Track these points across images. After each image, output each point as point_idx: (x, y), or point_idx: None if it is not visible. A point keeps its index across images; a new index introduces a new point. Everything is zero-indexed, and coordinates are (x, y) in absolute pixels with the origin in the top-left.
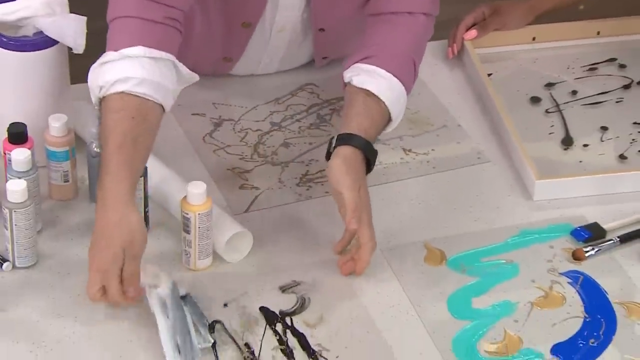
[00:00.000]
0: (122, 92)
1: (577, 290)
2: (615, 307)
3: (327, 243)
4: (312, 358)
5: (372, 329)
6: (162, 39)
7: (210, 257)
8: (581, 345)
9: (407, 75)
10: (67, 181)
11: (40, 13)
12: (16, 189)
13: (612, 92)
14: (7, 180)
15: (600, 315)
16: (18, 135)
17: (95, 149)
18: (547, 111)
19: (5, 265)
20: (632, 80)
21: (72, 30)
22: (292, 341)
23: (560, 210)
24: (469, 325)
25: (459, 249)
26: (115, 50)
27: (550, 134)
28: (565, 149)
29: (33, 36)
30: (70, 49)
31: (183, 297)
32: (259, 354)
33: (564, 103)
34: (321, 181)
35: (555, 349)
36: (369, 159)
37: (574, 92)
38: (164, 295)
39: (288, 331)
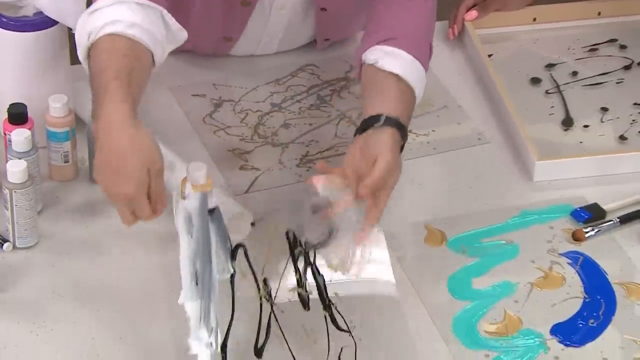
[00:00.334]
0: (112, 34)
1: (576, 271)
2: (615, 288)
3: None
4: (326, 310)
5: (372, 308)
6: None
7: None
8: (581, 325)
9: (424, 57)
10: (68, 162)
11: None
12: (16, 169)
13: (612, 73)
14: (7, 161)
15: (599, 295)
16: (18, 115)
17: None
18: (547, 92)
19: (5, 245)
20: (633, 61)
21: (72, 11)
22: (311, 286)
23: (561, 191)
24: (469, 305)
25: (459, 229)
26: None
27: (550, 114)
28: (565, 130)
29: (33, 16)
30: (70, 29)
31: (211, 211)
32: (276, 294)
33: (565, 84)
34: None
35: (555, 329)
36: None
37: (575, 73)
38: (191, 209)
39: (308, 272)
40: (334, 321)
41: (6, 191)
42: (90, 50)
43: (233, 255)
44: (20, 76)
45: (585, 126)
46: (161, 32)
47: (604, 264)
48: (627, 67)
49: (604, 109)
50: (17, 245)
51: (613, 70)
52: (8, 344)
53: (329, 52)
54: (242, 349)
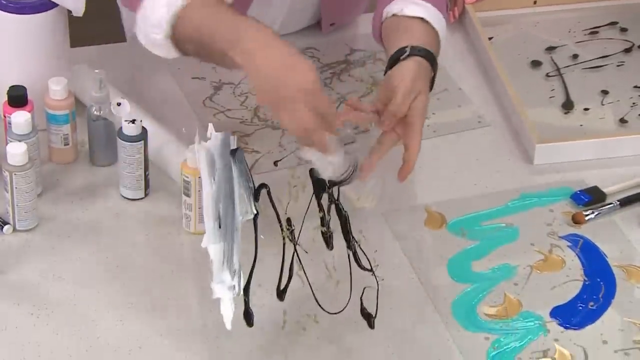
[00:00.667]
0: None
1: (576, 254)
2: (615, 271)
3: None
4: (349, 248)
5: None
6: None
7: None
8: (580, 308)
9: (444, 12)
10: (67, 144)
11: None
12: (17, 151)
13: (613, 56)
14: (7, 143)
15: (599, 278)
16: (18, 98)
17: (95, 112)
18: (547, 75)
19: (5, 228)
20: (633, 44)
21: None
22: (335, 224)
23: (561, 174)
24: (469, 288)
25: (459, 212)
26: None
27: (550, 98)
28: (565, 113)
29: None
30: (69, 11)
31: (233, 152)
32: (299, 234)
33: (565, 67)
34: None
35: (555, 312)
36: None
37: (575, 56)
38: (213, 149)
39: (332, 210)
40: (357, 260)
41: (6, 174)
42: (177, 19)
43: (256, 196)
44: (20, 58)
45: (586, 109)
46: None
47: (603, 246)
48: (627, 50)
49: (604, 92)
50: (17, 227)
51: (613, 53)
52: (8, 325)
53: (329, 35)
54: (265, 291)
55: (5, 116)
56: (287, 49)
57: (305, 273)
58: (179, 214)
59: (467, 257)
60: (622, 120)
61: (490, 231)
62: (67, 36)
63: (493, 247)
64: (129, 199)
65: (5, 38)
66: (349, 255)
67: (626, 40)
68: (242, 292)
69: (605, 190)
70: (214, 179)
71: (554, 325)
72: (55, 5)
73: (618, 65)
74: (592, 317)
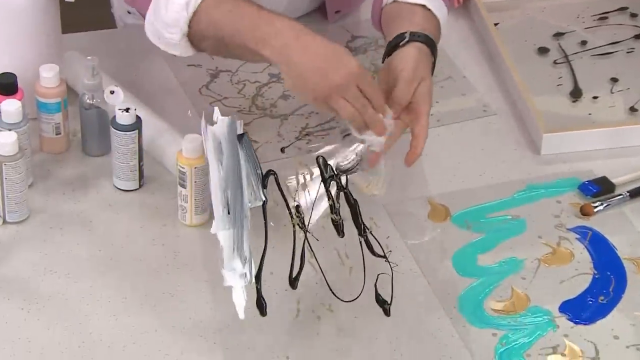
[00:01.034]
0: None
1: (585, 246)
2: (625, 264)
3: None
4: (361, 235)
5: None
6: None
7: (207, 212)
8: (590, 302)
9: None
10: (59, 134)
11: None
12: (7, 141)
13: (622, 43)
14: None
15: (609, 271)
16: (8, 86)
17: (87, 101)
18: (555, 62)
19: None
20: None
21: None
22: (344, 212)
23: (568, 164)
24: (475, 283)
25: (464, 204)
26: None
27: (558, 85)
28: (574, 102)
29: None
30: None
31: (240, 137)
32: (309, 222)
33: (573, 54)
34: (321, 134)
35: (564, 307)
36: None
37: (584, 43)
38: (220, 135)
39: (341, 197)
40: (369, 247)
41: None
42: (194, 15)
43: (264, 182)
44: (9, 45)
45: (595, 97)
46: None
47: (613, 239)
48: (637, 37)
49: (614, 80)
50: (8, 219)
51: (623, 39)
52: None
53: (329, 21)
54: (277, 279)
55: None
56: (319, 38)
57: (317, 260)
58: (175, 205)
59: (473, 250)
60: (633, 109)
61: (496, 223)
62: (58, 22)
63: (499, 240)
64: (122, 190)
65: None
66: (360, 243)
67: (636, 26)
68: (254, 280)
69: (614, 180)
70: (222, 165)
71: (563, 321)
72: None
73: (628, 52)
74: (602, 311)
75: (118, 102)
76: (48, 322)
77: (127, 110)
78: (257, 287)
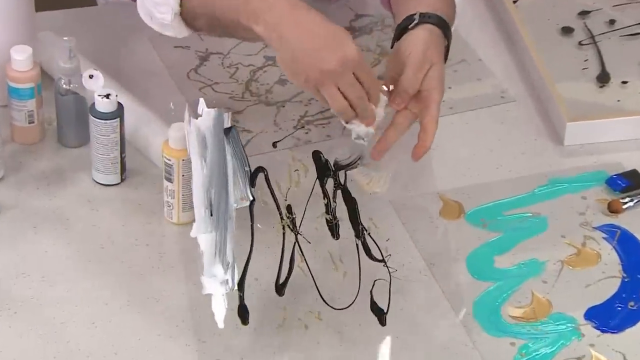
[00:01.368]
0: None
1: (613, 247)
2: None
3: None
4: (358, 238)
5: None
6: None
7: None
8: (619, 308)
9: None
10: (32, 122)
11: None
12: None
13: None
14: None
15: None
16: None
17: (64, 86)
18: (580, 43)
19: None
20: None
21: None
22: (341, 210)
23: (595, 156)
24: (492, 287)
25: (479, 200)
26: None
27: (583, 69)
28: (600, 87)
29: None
30: None
31: (227, 131)
32: (301, 223)
33: (600, 34)
34: (322, 123)
35: (590, 313)
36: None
37: (612, 22)
38: (204, 129)
39: (338, 195)
40: (367, 251)
41: None
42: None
43: (252, 180)
44: None
45: (624, 82)
46: None
47: None
48: None
49: None
50: None
51: None
52: None
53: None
54: (262, 286)
55: None
56: (318, 16)
57: (307, 265)
58: (160, 201)
59: (489, 251)
60: None
61: (515, 222)
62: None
63: (518, 240)
64: (102, 184)
65: None
66: (357, 245)
67: None
68: (236, 287)
69: None
70: (205, 161)
71: (589, 329)
72: None
73: None
74: (632, 318)
75: (98, 87)
76: (20, 330)
77: (107, 96)
78: (239, 295)
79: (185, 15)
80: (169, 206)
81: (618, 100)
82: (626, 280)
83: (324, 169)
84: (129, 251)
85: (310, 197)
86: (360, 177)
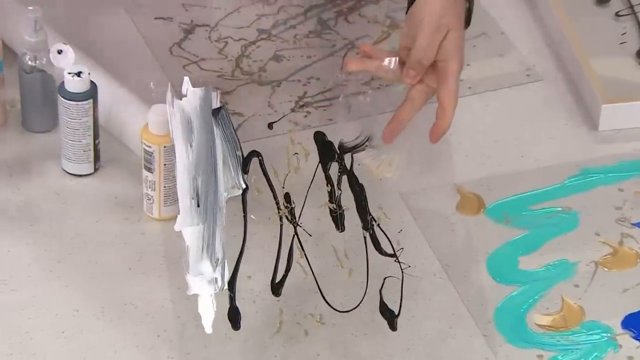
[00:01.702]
0: None
1: None
2: None
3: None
4: (366, 229)
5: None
6: None
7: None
8: None
9: None
10: None
11: None
12: None
13: None
14: None
15: None
16: None
17: (29, 62)
18: (617, 14)
19: None
20: None
21: None
22: (346, 199)
23: (633, 143)
24: (516, 292)
25: (502, 193)
26: None
27: (621, 43)
28: None
29: None
30: None
31: (216, 111)
32: (300, 213)
33: None
34: (323, 105)
35: (628, 322)
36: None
37: None
38: (190, 110)
39: (343, 181)
40: (376, 244)
41: None
42: None
43: (245, 166)
44: None
45: None
46: None
47: None
48: None
49: None
50: None
51: None
52: None
53: None
54: (256, 285)
55: None
56: None
57: (308, 261)
58: (139, 194)
59: (513, 251)
60: None
61: (542, 217)
62: None
63: (546, 239)
64: (73, 174)
65: None
66: (365, 238)
67: None
68: (226, 287)
69: None
70: (191, 147)
71: (626, 339)
72: None
73: None
74: None
75: (68, 64)
76: None
77: (78, 74)
78: (230, 295)
79: None
80: (149, 200)
81: None
82: None
83: (328, 152)
84: (104, 251)
85: (311, 184)
86: (368, 160)
